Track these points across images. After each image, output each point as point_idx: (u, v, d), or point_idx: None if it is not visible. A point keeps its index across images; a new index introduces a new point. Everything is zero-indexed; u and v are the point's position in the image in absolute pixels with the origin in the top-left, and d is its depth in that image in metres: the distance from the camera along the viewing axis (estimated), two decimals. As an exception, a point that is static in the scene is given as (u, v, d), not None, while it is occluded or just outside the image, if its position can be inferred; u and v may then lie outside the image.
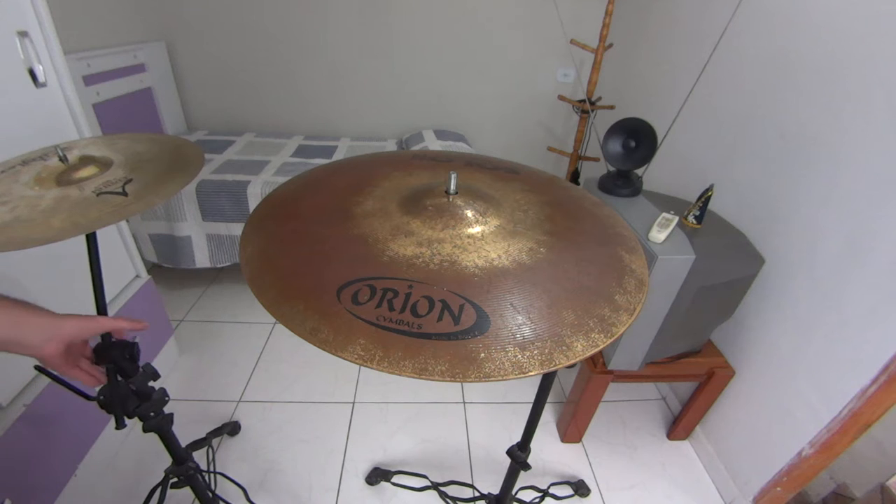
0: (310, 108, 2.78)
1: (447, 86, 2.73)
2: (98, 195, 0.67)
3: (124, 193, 0.68)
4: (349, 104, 2.76)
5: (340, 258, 0.52)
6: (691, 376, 1.43)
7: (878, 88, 1.00)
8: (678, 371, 1.38)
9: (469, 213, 0.57)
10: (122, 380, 0.72)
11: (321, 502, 1.31)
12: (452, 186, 0.59)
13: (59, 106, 1.18)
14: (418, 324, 0.42)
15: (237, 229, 2.00)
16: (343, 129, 2.84)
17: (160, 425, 0.82)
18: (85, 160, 0.77)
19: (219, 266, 2.06)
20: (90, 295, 0.77)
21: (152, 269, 2.22)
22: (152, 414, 0.79)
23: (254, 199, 1.96)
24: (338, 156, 2.43)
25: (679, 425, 1.54)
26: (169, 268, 2.07)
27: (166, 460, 0.92)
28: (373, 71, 2.66)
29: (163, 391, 0.81)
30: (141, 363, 0.74)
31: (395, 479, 1.36)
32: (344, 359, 0.40)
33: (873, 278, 1.00)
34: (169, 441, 0.89)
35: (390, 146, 2.70)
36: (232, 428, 1.47)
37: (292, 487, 1.34)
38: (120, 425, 0.71)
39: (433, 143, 2.46)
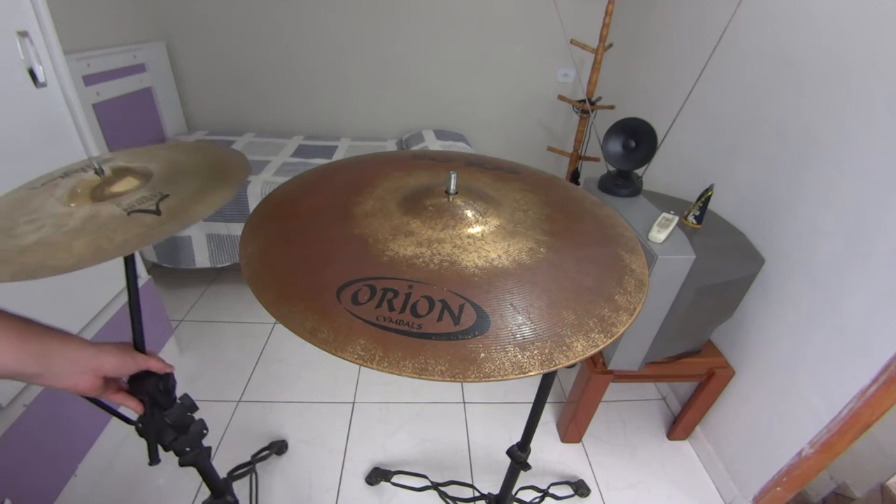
0: (310, 109, 2.78)
1: (447, 86, 2.72)
2: (129, 213, 0.62)
3: (157, 212, 0.62)
4: (349, 104, 2.76)
5: (340, 258, 0.52)
6: (691, 376, 1.42)
7: (879, 88, 1.00)
8: (678, 371, 1.38)
9: (469, 213, 0.57)
10: (157, 410, 0.67)
11: (321, 502, 1.31)
12: (452, 186, 0.59)
13: (59, 106, 1.18)
14: (418, 324, 0.42)
15: (237, 229, 2.00)
16: (343, 129, 2.84)
17: (197, 460, 0.76)
18: (121, 172, 0.72)
19: (219, 266, 2.06)
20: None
21: (152, 268, 2.22)
22: (188, 449, 0.74)
23: (254, 199, 1.95)
24: (338, 156, 2.43)
25: (679, 425, 1.54)
26: (169, 268, 2.07)
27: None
28: (373, 71, 2.66)
29: (201, 423, 0.76)
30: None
31: (395, 479, 1.36)
32: (344, 359, 0.40)
33: (873, 278, 1.00)
34: (207, 474, 0.83)
35: (390, 146, 2.70)
36: (279, 447, 1.42)
37: (292, 487, 1.34)
38: (153, 461, 0.66)
39: (433, 143, 2.46)
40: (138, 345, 0.67)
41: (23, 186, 0.73)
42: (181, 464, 0.75)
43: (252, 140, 2.54)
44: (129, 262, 0.69)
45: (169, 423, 0.69)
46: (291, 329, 0.43)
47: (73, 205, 0.65)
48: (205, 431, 0.76)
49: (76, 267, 0.54)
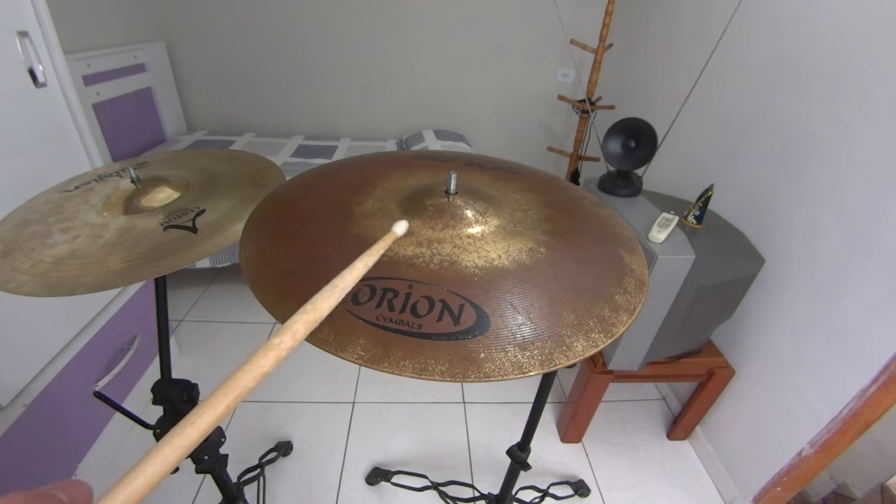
0: (310, 109, 2.78)
1: (447, 86, 2.73)
2: (165, 228, 0.61)
3: (194, 229, 0.60)
4: (349, 104, 2.77)
5: (340, 258, 0.52)
6: (691, 376, 1.42)
7: (878, 88, 1.00)
8: (678, 371, 1.38)
9: (469, 213, 0.57)
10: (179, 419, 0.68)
11: (321, 502, 1.31)
12: (452, 186, 0.59)
13: (59, 106, 1.18)
14: (418, 324, 0.42)
15: (237, 229, 1.99)
16: (343, 129, 2.84)
17: (214, 468, 0.77)
18: (157, 182, 0.70)
19: (219, 266, 2.06)
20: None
21: (152, 269, 2.21)
22: (206, 457, 0.74)
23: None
24: (338, 156, 2.43)
25: (679, 425, 1.54)
26: (169, 268, 2.07)
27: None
28: (373, 71, 2.66)
29: (219, 431, 0.76)
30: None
31: (395, 479, 1.36)
32: (344, 359, 0.40)
33: (873, 278, 1.00)
34: (221, 480, 0.84)
35: (390, 146, 2.70)
36: (286, 449, 1.43)
37: (292, 487, 1.34)
38: (172, 469, 0.67)
39: (433, 143, 2.46)
40: (164, 361, 0.66)
41: (56, 188, 0.72)
42: (198, 471, 0.75)
43: (252, 140, 2.54)
44: (161, 285, 0.68)
45: None
46: (291, 329, 0.43)
47: (105, 214, 0.64)
48: (223, 439, 0.77)
49: (112, 285, 0.53)
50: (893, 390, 0.95)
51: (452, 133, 2.70)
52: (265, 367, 0.26)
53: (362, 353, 0.40)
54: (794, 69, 1.24)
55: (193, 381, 0.75)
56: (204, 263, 2.03)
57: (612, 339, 0.44)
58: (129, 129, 2.19)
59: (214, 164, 0.79)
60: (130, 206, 0.66)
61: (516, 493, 1.30)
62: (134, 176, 0.69)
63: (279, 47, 2.57)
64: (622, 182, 1.30)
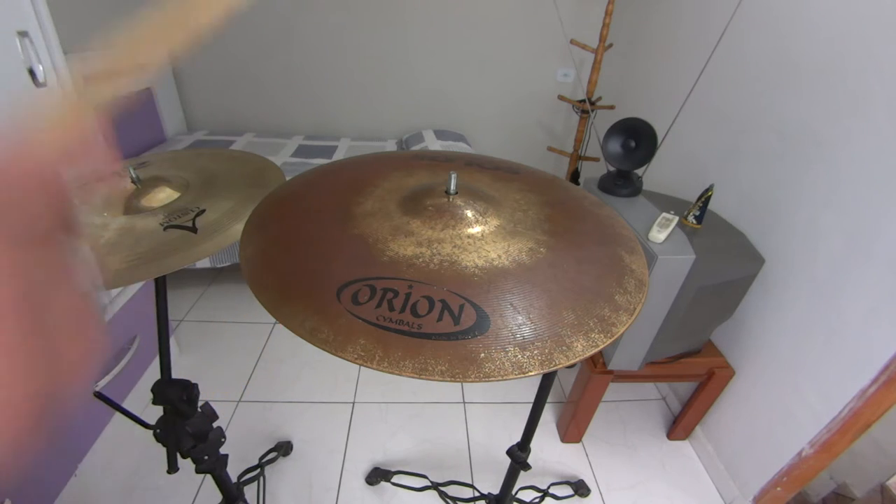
0: (310, 109, 2.78)
1: (447, 86, 2.73)
2: (165, 228, 0.61)
3: (194, 229, 0.60)
4: (349, 104, 2.77)
5: (340, 258, 0.52)
6: (691, 376, 1.42)
7: (878, 88, 1.00)
8: (678, 371, 1.38)
9: (469, 213, 0.57)
10: (179, 419, 0.67)
11: (321, 502, 1.31)
12: (452, 186, 0.59)
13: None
14: (418, 324, 0.42)
15: (237, 229, 1.99)
16: (343, 129, 2.84)
17: (214, 468, 0.77)
18: (157, 181, 0.70)
19: (219, 266, 2.06)
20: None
21: (152, 269, 2.21)
22: (206, 457, 0.74)
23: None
24: (338, 156, 2.43)
25: (679, 425, 1.54)
26: (169, 268, 2.07)
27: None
28: (373, 71, 2.66)
29: (220, 431, 0.76)
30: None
31: (395, 479, 1.36)
32: (344, 359, 0.40)
33: (873, 278, 1.00)
34: (222, 480, 0.84)
35: (390, 146, 2.70)
36: (286, 449, 1.43)
37: (292, 487, 1.34)
38: (172, 469, 0.66)
39: (433, 143, 2.46)
40: (164, 362, 0.66)
41: None
42: (198, 471, 0.75)
43: (252, 140, 2.54)
44: (161, 285, 0.68)
45: (190, 431, 0.69)
46: (291, 329, 0.43)
47: (105, 214, 0.64)
48: (223, 439, 0.77)
49: (113, 285, 0.53)
50: (893, 390, 0.95)
51: (452, 133, 2.70)
52: None
53: (362, 353, 0.40)
54: (794, 69, 1.24)
55: (193, 381, 0.75)
56: (204, 263, 2.03)
57: (612, 339, 0.44)
58: (129, 129, 2.19)
59: (214, 164, 0.79)
60: (130, 206, 0.66)
61: (516, 493, 1.30)
62: (134, 176, 0.69)
63: (279, 47, 2.57)
64: (622, 182, 1.30)
